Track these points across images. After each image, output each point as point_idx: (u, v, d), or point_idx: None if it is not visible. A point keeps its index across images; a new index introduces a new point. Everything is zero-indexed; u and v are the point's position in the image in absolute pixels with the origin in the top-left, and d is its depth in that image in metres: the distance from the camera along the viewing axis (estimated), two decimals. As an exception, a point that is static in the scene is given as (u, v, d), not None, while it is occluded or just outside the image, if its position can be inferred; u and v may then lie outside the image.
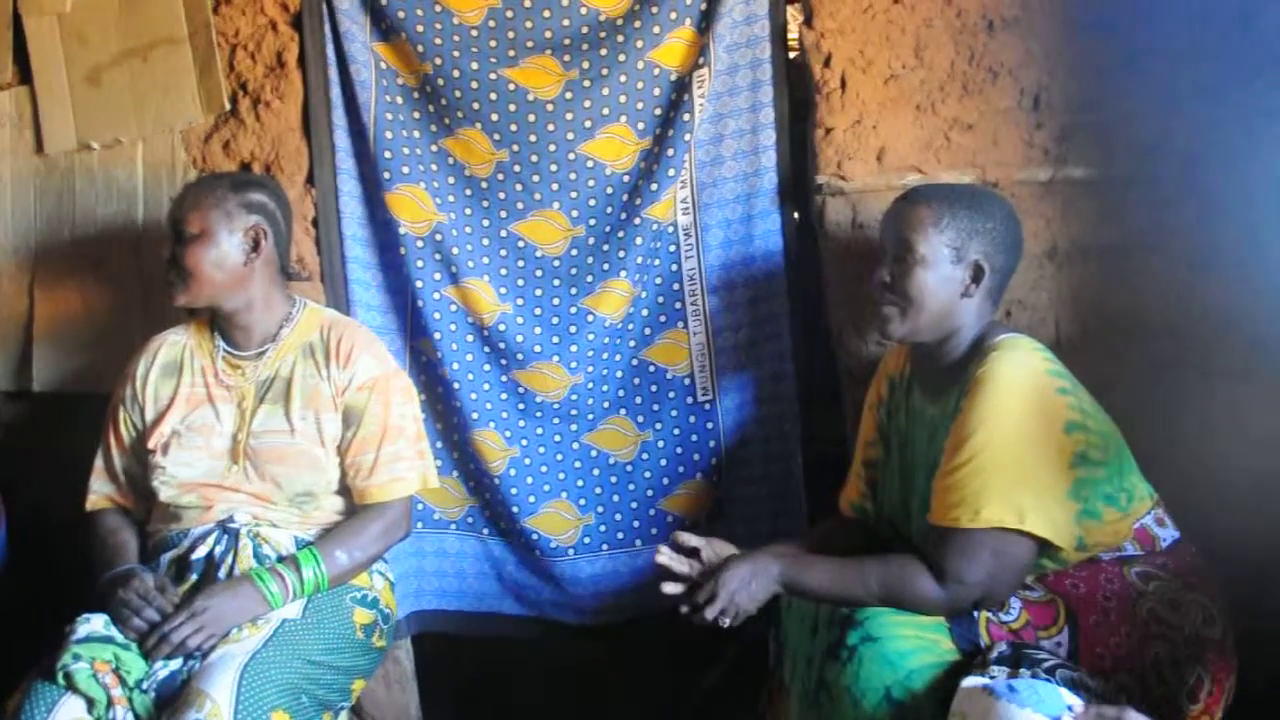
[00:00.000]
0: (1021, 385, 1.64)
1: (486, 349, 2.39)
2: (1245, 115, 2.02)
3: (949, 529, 1.63)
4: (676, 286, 2.39)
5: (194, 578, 1.95)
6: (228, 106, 2.38)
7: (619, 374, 2.41)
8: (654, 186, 2.34)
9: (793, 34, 2.49)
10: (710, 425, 2.40)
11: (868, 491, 2.03)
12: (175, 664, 1.79)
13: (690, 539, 1.83)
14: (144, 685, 1.76)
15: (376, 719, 2.43)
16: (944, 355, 1.80)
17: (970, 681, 1.46)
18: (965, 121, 2.22)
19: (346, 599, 2.01)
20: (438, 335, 2.36)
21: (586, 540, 2.41)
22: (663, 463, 2.41)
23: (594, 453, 2.41)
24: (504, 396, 2.39)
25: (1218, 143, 2.05)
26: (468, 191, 2.39)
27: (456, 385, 2.36)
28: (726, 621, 1.72)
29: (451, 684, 2.75)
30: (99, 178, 2.45)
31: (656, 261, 2.39)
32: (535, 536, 2.39)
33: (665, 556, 1.78)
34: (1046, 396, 1.64)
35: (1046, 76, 2.20)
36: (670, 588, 1.77)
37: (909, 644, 1.59)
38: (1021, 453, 1.60)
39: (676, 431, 2.41)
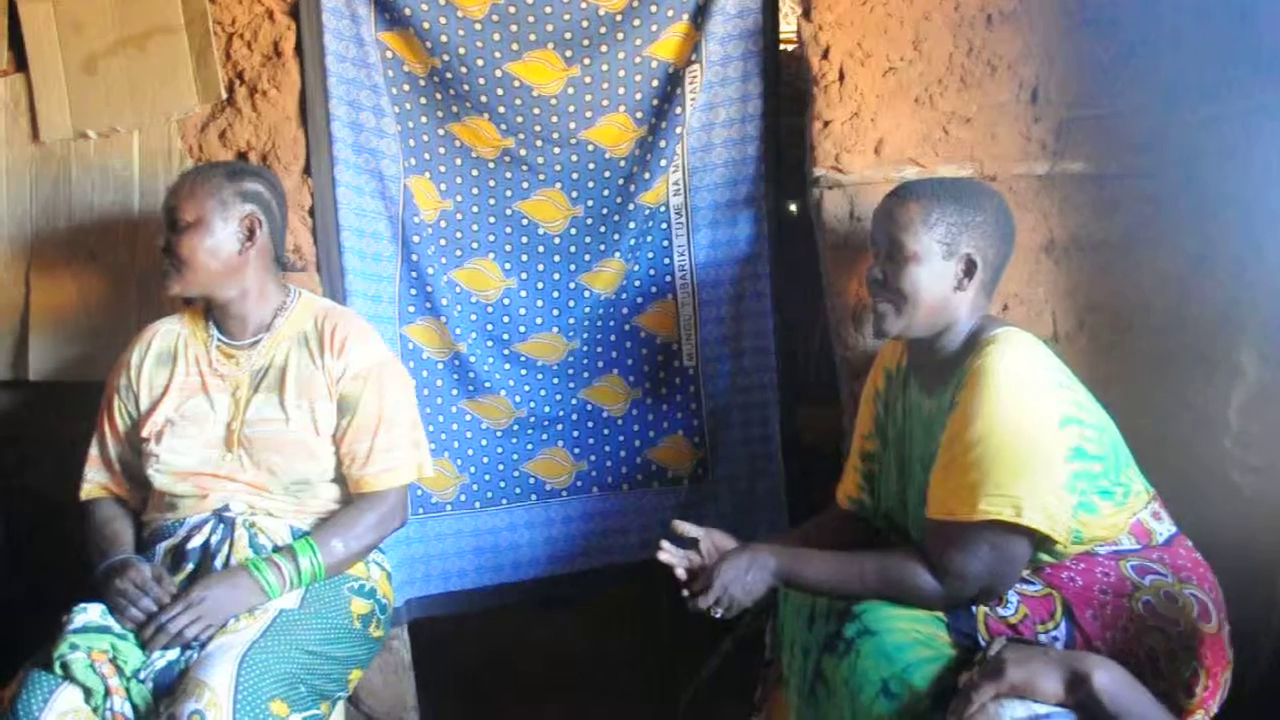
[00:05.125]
0: (1017, 379, 1.63)
1: (490, 326, 2.54)
2: (1243, 111, 2.02)
3: (946, 523, 1.64)
4: (667, 261, 2.55)
5: (190, 567, 1.95)
6: (224, 95, 2.37)
7: (612, 337, 2.58)
8: (647, 175, 2.48)
9: (791, 26, 2.49)
10: (692, 389, 2.60)
11: (865, 485, 2.03)
12: (173, 654, 1.79)
13: (689, 529, 1.84)
14: (141, 675, 1.76)
15: (373, 709, 2.44)
16: (940, 349, 1.80)
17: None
18: (963, 115, 2.23)
19: (344, 589, 2.01)
20: (443, 319, 2.49)
21: (579, 484, 2.61)
22: (650, 417, 2.61)
23: (589, 406, 2.60)
24: (507, 367, 2.56)
25: (1216, 138, 2.05)
26: (474, 172, 2.50)
27: (471, 359, 2.51)
28: (719, 612, 1.72)
29: (448, 673, 2.76)
30: (95, 166, 2.43)
31: (649, 239, 2.54)
32: (533, 480, 2.59)
33: (666, 554, 1.78)
34: (1042, 390, 1.64)
35: (1045, 70, 2.20)
36: (666, 556, 1.78)
37: (906, 638, 1.60)
38: (1018, 446, 1.60)
39: (662, 391, 2.60)
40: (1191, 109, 2.09)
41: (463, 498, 2.56)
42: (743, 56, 2.40)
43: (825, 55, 2.27)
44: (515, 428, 2.56)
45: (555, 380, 2.58)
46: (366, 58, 2.36)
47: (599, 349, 2.58)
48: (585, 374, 2.59)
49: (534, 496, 2.58)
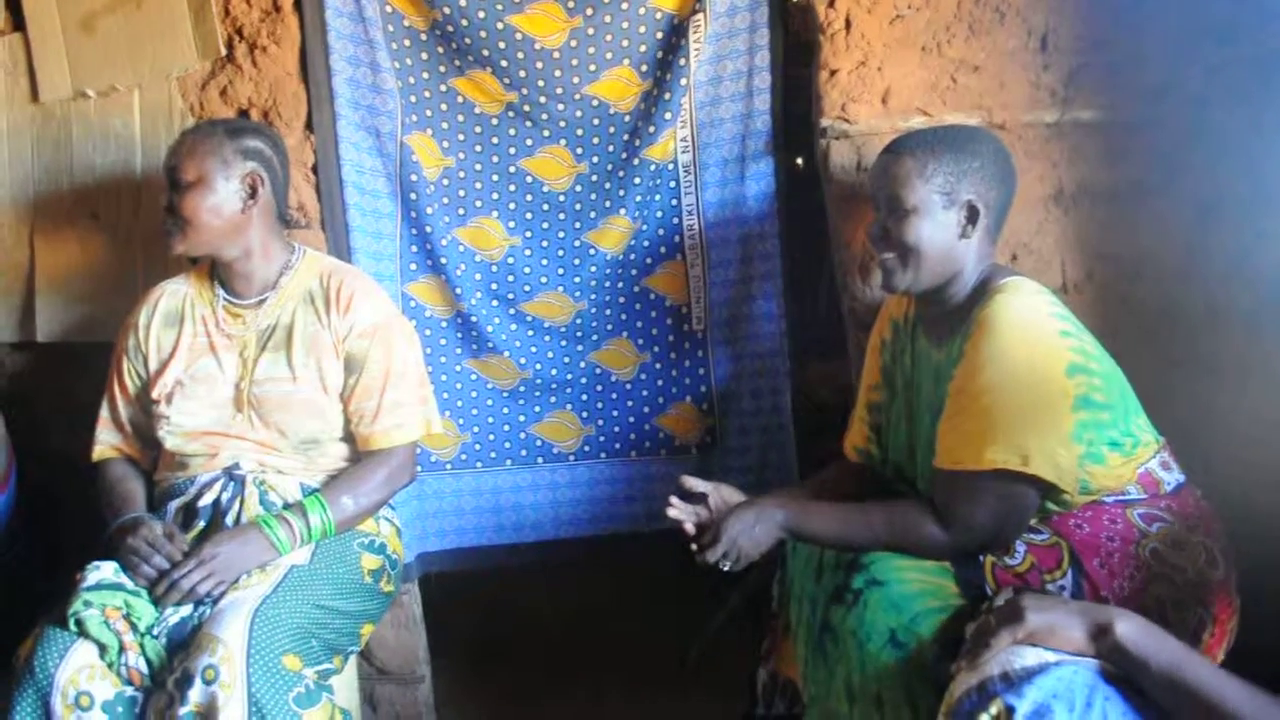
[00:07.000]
0: (1023, 327, 1.62)
1: (494, 285, 2.52)
2: (1256, 57, 1.99)
3: (953, 473, 1.64)
4: (676, 220, 2.51)
5: (201, 525, 1.97)
6: (224, 52, 2.34)
7: (621, 299, 2.55)
8: (652, 129, 2.43)
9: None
10: (701, 354, 2.57)
11: (872, 435, 2.03)
12: (186, 610, 1.81)
13: (697, 484, 1.84)
14: (155, 631, 1.78)
15: (385, 662, 2.47)
16: (948, 298, 1.80)
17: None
18: (972, 63, 2.19)
19: (354, 545, 2.03)
20: (445, 277, 2.48)
21: (586, 449, 2.59)
22: (659, 383, 2.58)
23: (598, 370, 2.58)
24: (514, 327, 2.54)
25: (1227, 85, 2.02)
26: (477, 129, 2.47)
27: (475, 319, 2.50)
28: (727, 565, 1.73)
29: (459, 627, 2.79)
30: (96, 126, 2.42)
31: (657, 197, 2.49)
32: (539, 443, 2.58)
33: (675, 510, 1.79)
34: (1048, 339, 1.63)
35: (1054, 17, 2.17)
36: (675, 512, 1.79)
37: (914, 588, 1.61)
38: (1025, 395, 1.59)
39: (672, 356, 2.57)
40: (1203, 54, 2.05)
41: (463, 457, 2.56)
42: (750, 7, 2.35)
43: (832, 3, 2.23)
44: (521, 389, 2.55)
45: (564, 342, 2.55)
46: (363, 12, 2.33)
47: (608, 311, 2.55)
48: (594, 336, 2.56)
49: (541, 459, 2.58)
